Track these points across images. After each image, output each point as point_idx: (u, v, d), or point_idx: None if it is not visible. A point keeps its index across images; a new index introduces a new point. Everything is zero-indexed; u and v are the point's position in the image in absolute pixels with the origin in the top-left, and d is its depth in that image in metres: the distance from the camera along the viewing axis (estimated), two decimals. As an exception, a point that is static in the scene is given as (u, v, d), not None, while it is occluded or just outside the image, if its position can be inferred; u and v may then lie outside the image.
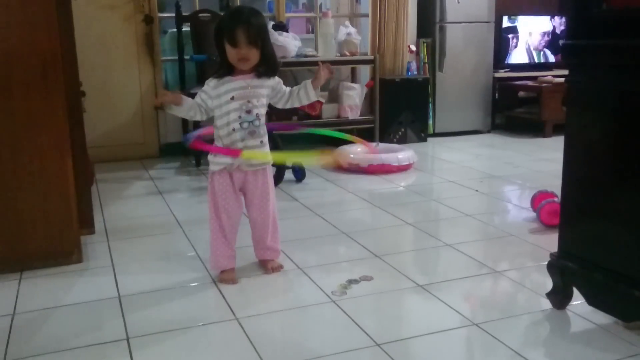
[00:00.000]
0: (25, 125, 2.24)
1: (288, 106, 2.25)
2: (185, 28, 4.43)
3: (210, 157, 2.16)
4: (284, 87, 2.21)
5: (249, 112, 2.10)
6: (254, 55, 2.07)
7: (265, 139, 2.17)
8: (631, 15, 1.66)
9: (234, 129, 2.09)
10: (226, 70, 2.11)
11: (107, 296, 2.11)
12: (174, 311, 1.99)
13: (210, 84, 2.12)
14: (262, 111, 2.15)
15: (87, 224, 2.70)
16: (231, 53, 2.06)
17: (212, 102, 2.11)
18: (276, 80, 2.19)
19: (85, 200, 2.69)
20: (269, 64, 2.14)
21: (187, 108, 2.10)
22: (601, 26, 1.73)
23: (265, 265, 2.29)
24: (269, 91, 2.17)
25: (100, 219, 2.97)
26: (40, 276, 2.30)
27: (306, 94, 2.22)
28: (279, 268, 2.29)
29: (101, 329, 1.88)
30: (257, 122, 2.12)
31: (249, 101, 2.10)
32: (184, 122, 4.54)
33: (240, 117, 2.09)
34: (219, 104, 2.10)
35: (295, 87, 2.23)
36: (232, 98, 2.09)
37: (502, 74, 5.51)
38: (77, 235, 2.41)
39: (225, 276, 2.20)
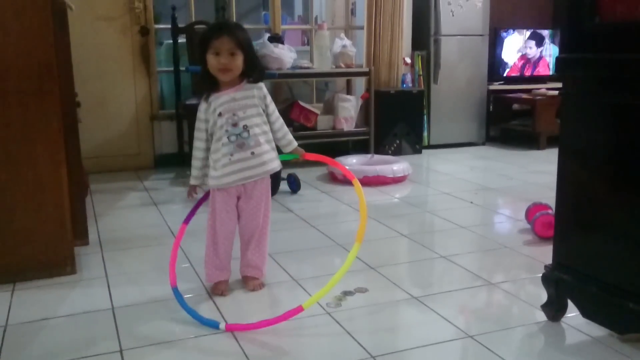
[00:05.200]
0: (20, 136, 2.23)
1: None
2: (181, 39, 4.45)
3: (211, 173, 2.12)
4: (271, 105, 2.16)
5: (235, 125, 2.07)
6: (235, 66, 2.05)
7: (260, 149, 2.10)
8: (623, 29, 1.68)
9: (222, 144, 2.08)
10: (210, 86, 2.10)
11: (100, 308, 2.10)
12: (168, 323, 1.98)
13: (202, 108, 2.12)
14: (252, 122, 2.09)
15: (81, 235, 2.69)
16: (212, 63, 2.05)
17: (207, 125, 2.11)
18: (262, 92, 2.14)
19: (80, 211, 2.69)
20: (254, 72, 2.12)
21: (203, 164, 2.14)
22: (594, 40, 1.75)
23: (247, 283, 2.25)
24: (259, 101, 2.12)
25: (94, 230, 2.96)
26: (34, 287, 2.28)
27: (284, 143, 2.21)
28: (260, 286, 2.24)
29: (95, 340, 1.87)
30: (245, 134, 2.08)
31: (234, 114, 2.07)
32: (179, 133, 4.55)
33: (227, 130, 2.07)
34: (213, 123, 2.09)
35: (284, 131, 2.20)
36: (220, 114, 2.08)
37: (496, 86, 5.55)
38: (71, 246, 2.40)
39: (217, 287, 2.20)
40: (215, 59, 2.04)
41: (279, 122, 2.20)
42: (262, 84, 2.16)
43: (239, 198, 2.17)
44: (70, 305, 2.12)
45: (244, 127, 2.08)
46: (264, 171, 2.14)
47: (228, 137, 2.07)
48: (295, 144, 2.23)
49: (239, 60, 2.05)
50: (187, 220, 2.20)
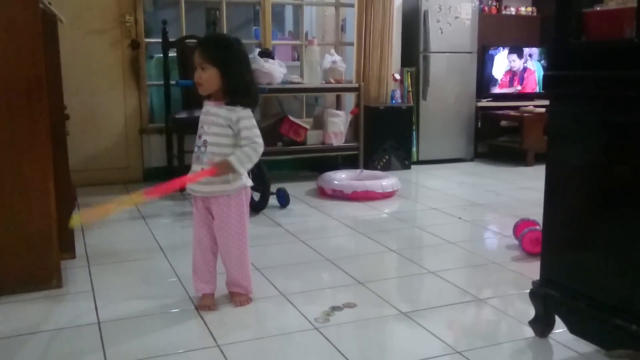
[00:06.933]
0: (8, 148, 2.22)
1: None
2: (172, 53, 4.46)
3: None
4: (244, 131, 2.04)
5: (199, 137, 2.11)
6: (207, 81, 2.05)
7: None
8: (608, 47, 1.71)
9: (194, 151, 2.13)
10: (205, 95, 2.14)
11: (86, 322, 2.08)
12: (155, 338, 1.96)
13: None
14: (213, 139, 2.05)
15: (67, 248, 2.67)
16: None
17: None
18: (237, 115, 2.04)
19: (67, 224, 2.66)
20: (235, 93, 2.04)
21: None
22: (580, 58, 1.77)
23: (233, 299, 2.23)
24: (226, 122, 2.05)
25: (81, 244, 2.94)
26: (19, 301, 2.26)
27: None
28: (246, 302, 2.22)
29: (80, 356, 1.85)
30: (202, 149, 2.08)
31: (202, 126, 2.11)
32: (169, 147, 4.53)
33: (197, 140, 2.12)
34: None
35: (245, 150, 2.05)
36: (199, 122, 2.14)
37: (484, 103, 5.60)
38: (58, 259, 2.38)
39: (203, 302, 2.18)
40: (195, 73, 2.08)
41: (245, 143, 2.06)
42: (239, 108, 2.05)
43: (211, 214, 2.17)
44: (55, 320, 2.10)
45: (204, 142, 2.10)
46: (206, 191, 2.08)
47: (197, 147, 2.12)
48: (233, 162, 2.02)
49: (209, 75, 2.04)
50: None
